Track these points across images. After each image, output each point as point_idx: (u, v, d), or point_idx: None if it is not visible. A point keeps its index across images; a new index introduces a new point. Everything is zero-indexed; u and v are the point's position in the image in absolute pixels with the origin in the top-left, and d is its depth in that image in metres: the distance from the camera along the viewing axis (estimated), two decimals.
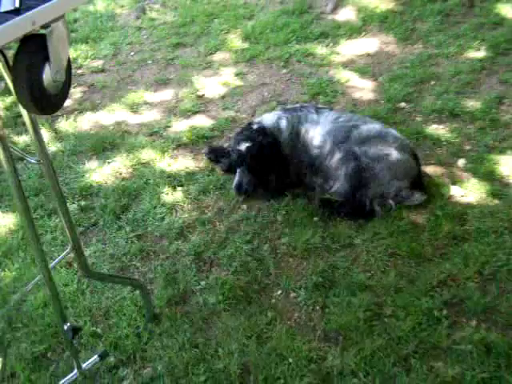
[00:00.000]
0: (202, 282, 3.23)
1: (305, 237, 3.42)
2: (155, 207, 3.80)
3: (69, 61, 1.80)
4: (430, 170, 3.85)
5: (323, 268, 3.20)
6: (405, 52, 5.40)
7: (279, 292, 3.14)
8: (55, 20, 1.66)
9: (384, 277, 3.12)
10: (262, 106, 4.81)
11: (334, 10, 6.10)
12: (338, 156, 3.67)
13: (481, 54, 5.15)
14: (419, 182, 3.63)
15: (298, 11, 6.17)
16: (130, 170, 4.20)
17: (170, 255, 3.44)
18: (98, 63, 5.77)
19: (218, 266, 3.34)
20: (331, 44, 5.63)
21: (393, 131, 3.72)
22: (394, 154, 3.54)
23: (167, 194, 3.90)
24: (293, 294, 3.12)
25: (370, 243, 3.34)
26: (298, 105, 4.05)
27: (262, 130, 3.75)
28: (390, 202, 3.57)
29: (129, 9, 6.83)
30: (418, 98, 4.67)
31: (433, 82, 4.87)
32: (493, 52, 5.12)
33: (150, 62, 5.74)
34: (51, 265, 2.40)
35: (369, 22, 5.91)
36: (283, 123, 3.79)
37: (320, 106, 4.19)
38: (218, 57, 5.69)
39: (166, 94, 5.16)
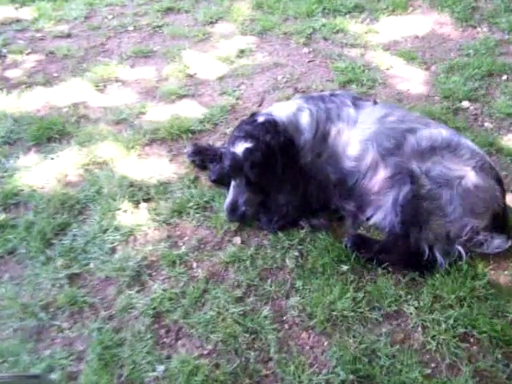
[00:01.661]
0: (160, 367, 2.26)
1: (327, 297, 2.51)
2: (105, 231, 2.88)
3: None
4: (509, 199, 2.96)
5: (355, 354, 2.30)
6: (465, 36, 4.65)
7: None
8: None
9: (453, 376, 2.24)
10: (273, 92, 3.96)
11: None
12: (383, 173, 2.81)
13: None
14: (503, 219, 2.77)
15: None
16: (80, 171, 3.29)
17: (115, 313, 2.50)
18: (65, 27, 4.95)
19: (187, 339, 2.38)
20: (368, 20, 4.88)
21: (467, 141, 2.86)
22: (471, 178, 2.66)
23: (126, 211, 2.98)
24: None
25: (428, 314, 2.46)
26: (326, 92, 3.13)
27: (272, 124, 2.81)
28: (459, 248, 2.69)
29: None
30: (485, 97, 3.88)
31: (504, 77, 4.08)
32: None
33: (130, 28, 4.88)
34: None
35: None
36: (305, 118, 2.87)
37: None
38: (219, 27, 4.88)
39: (146, 71, 4.29)
